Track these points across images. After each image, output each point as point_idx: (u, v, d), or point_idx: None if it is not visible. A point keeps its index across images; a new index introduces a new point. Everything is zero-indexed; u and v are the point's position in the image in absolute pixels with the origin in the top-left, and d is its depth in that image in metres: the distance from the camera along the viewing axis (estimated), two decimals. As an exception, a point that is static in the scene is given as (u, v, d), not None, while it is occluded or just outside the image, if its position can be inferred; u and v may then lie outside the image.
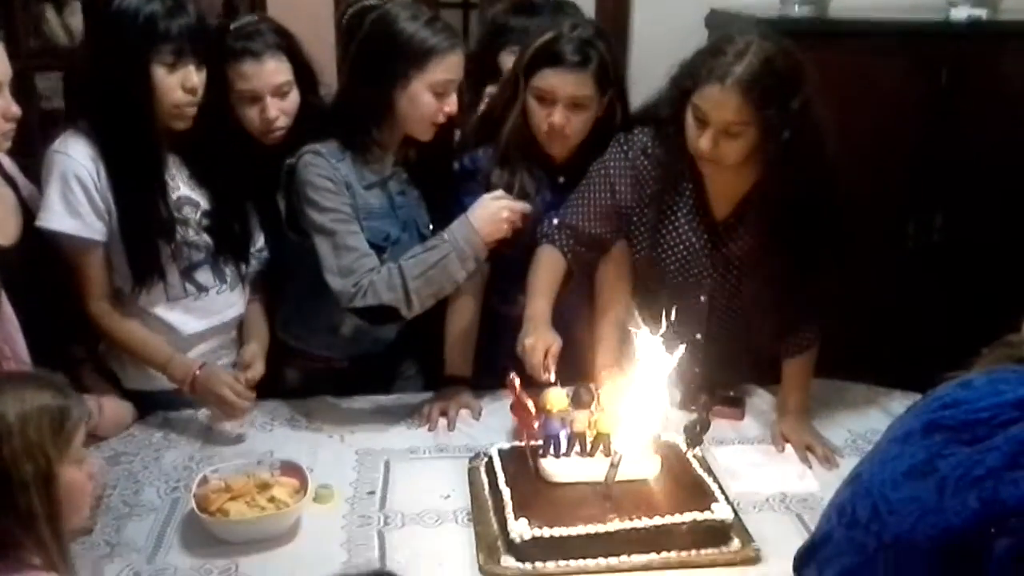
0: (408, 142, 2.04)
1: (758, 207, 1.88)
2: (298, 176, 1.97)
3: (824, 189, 1.82)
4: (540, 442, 1.71)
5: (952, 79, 3.02)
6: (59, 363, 1.87)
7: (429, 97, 1.94)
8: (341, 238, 1.93)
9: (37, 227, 1.84)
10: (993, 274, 3.03)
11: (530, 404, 1.68)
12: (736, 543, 1.59)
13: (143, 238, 1.90)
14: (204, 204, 2.00)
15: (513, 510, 1.58)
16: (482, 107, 2.22)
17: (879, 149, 2.85)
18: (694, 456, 1.75)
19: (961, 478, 0.75)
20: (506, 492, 1.64)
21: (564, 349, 1.86)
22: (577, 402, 1.71)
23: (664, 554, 1.56)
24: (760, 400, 2.10)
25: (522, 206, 1.95)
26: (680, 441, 1.78)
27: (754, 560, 1.57)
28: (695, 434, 1.71)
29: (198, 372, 1.92)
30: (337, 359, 2.16)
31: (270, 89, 2.02)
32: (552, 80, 1.98)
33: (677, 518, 1.57)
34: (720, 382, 2.04)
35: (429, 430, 2.00)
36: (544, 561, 1.54)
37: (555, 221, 2.05)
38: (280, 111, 2.05)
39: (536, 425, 1.69)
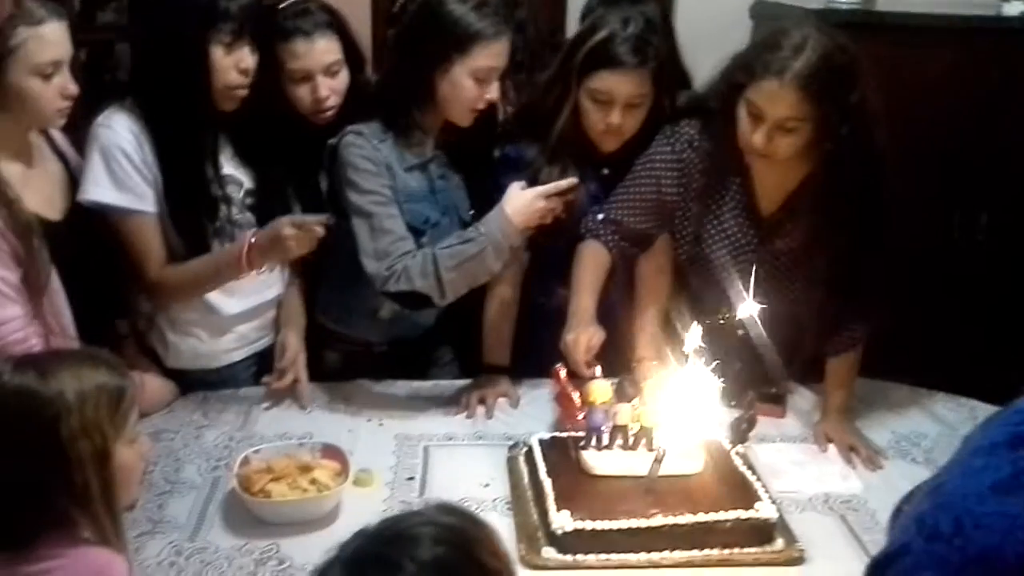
0: (450, 126, 2.03)
1: (809, 203, 1.85)
2: (339, 156, 1.96)
3: (878, 185, 1.79)
4: (582, 434, 1.70)
5: (1004, 76, 2.97)
6: (103, 339, 1.90)
7: (470, 83, 1.92)
8: (379, 220, 1.91)
9: (78, 199, 1.83)
10: (1037, 276, 2.99)
11: (575, 396, 1.67)
12: (779, 543, 1.58)
13: (188, 216, 1.90)
14: (247, 183, 1.99)
15: (555, 501, 1.58)
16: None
17: (925, 144, 2.81)
18: (737, 453, 1.74)
19: None
20: (547, 483, 1.63)
21: (608, 342, 1.85)
22: (621, 395, 1.69)
23: (706, 551, 1.55)
24: (801, 398, 2.07)
25: (555, 186, 1.90)
26: (723, 438, 1.77)
27: (798, 561, 1.55)
28: (741, 431, 1.70)
29: (252, 239, 1.87)
30: (376, 343, 2.16)
31: (321, 68, 2.01)
32: (610, 82, 1.95)
33: (721, 515, 1.55)
34: (762, 379, 2.02)
35: (467, 417, 1.99)
36: (585, 553, 1.53)
37: (600, 217, 2.03)
38: (331, 90, 2.04)
39: (581, 416, 1.67)
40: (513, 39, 2.02)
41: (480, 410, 2.01)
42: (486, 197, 2.01)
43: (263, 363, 2.09)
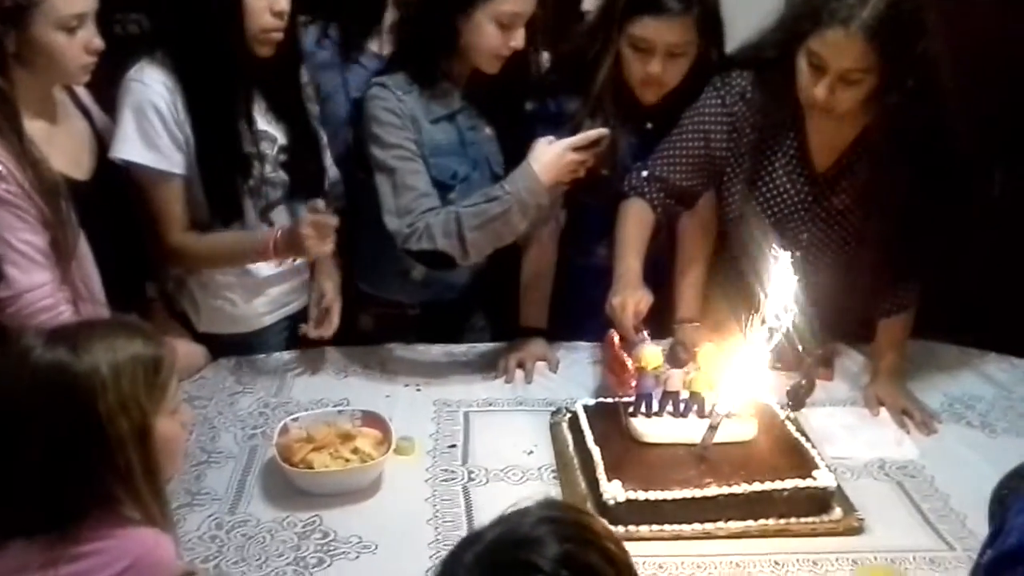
0: (479, 76, 1.93)
1: (870, 158, 1.77)
2: (364, 110, 1.89)
3: (942, 139, 1.70)
4: (630, 400, 1.64)
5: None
6: (132, 302, 1.85)
7: (493, 29, 1.82)
8: (401, 176, 1.85)
9: (111, 158, 1.77)
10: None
11: (628, 362, 1.61)
12: (838, 512, 1.53)
13: (222, 174, 1.83)
14: (281, 139, 1.92)
15: (605, 471, 1.52)
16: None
17: (972, 94, 2.70)
18: (789, 418, 1.68)
19: None
20: (596, 451, 1.58)
21: (656, 304, 1.78)
22: (673, 360, 1.64)
23: (762, 521, 1.50)
24: (849, 360, 2.01)
25: (583, 137, 1.80)
26: (772, 402, 1.71)
27: (857, 530, 1.51)
28: (798, 397, 1.64)
29: (278, 234, 1.83)
30: (410, 305, 2.11)
31: None
32: (651, 29, 1.86)
33: (777, 484, 1.50)
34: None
35: (506, 382, 1.94)
36: (638, 525, 1.48)
37: (644, 173, 1.95)
38: None
39: (634, 383, 1.62)
40: None
41: (519, 374, 1.96)
42: (522, 152, 1.92)
43: (295, 327, 2.04)
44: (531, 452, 1.71)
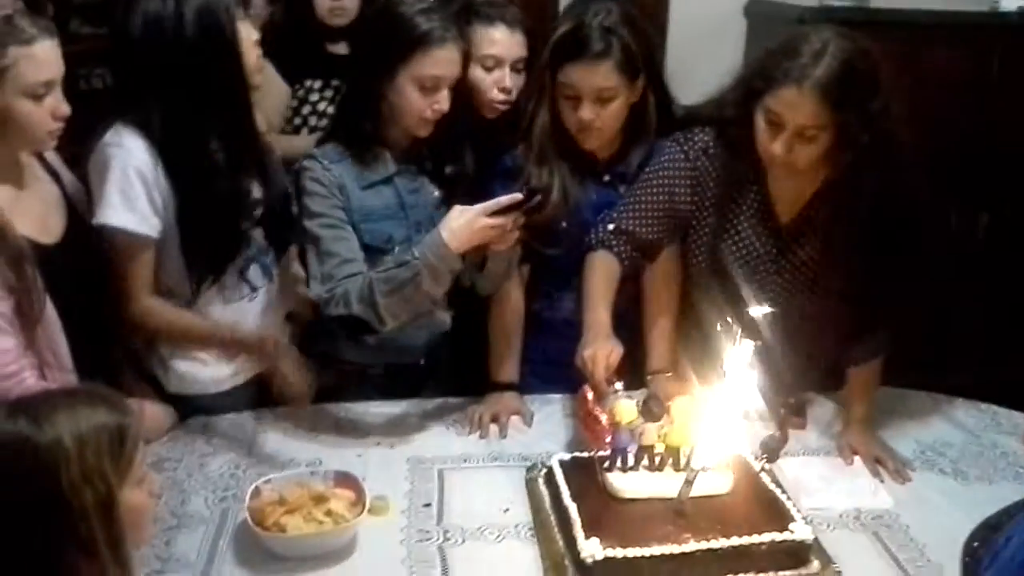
0: (420, 139, 1.94)
1: (829, 211, 1.80)
2: (296, 182, 1.92)
3: (899, 193, 1.74)
4: (607, 455, 1.64)
5: (1002, 72, 2.95)
6: (99, 365, 1.82)
7: (416, 92, 1.84)
8: (325, 243, 1.86)
9: (94, 224, 1.75)
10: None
11: (602, 417, 1.61)
12: (816, 564, 1.52)
13: (205, 234, 1.81)
14: (256, 194, 1.91)
15: (582, 528, 1.51)
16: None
17: (923, 143, 2.77)
18: (764, 470, 1.69)
19: None
20: (572, 508, 1.57)
21: (627, 354, 1.79)
22: (647, 414, 1.64)
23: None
24: (821, 409, 2.03)
25: (495, 203, 1.76)
26: (747, 453, 1.71)
27: (835, 583, 1.51)
28: (772, 448, 1.65)
29: (244, 340, 1.84)
30: (369, 366, 2.08)
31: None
32: (574, 75, 1.89)
33: (755, 538, 1.50)
34: (779, 390, 1.97)
35: (480, 437, 1.93)
36: (617, 582, 1.47)
37: (610, 227, 1.97)
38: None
39: (608, 439, 1.61)
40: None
41: (493, 429, 1.95)
42: None
43: (263, 386, 2.02)
44: (507, 510, 1.69)
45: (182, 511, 1.67)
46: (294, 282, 2.08)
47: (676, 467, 1.63)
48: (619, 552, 1.47)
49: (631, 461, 1.64)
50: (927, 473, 1.83)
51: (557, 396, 2.05)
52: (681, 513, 1.55)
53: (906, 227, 1.77)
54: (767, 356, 1.86)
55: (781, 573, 1.50)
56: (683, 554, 1.48)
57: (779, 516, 1.56)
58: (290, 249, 2.03)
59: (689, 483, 1.55)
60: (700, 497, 1.57)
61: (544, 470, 1.74)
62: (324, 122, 2.42)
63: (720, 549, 1.49)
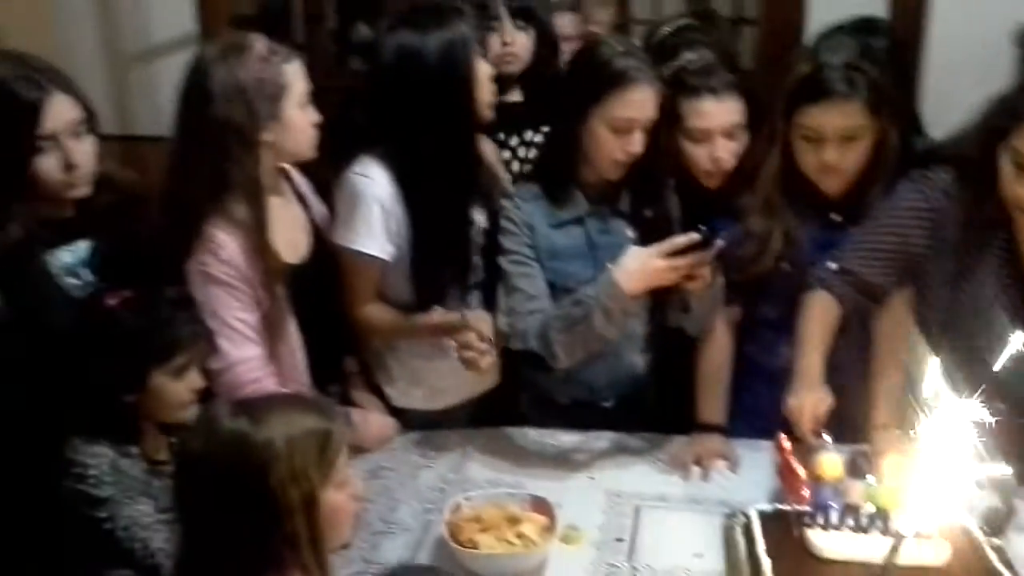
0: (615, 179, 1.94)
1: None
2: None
3: None
4: (808, 510, 1.56)
5: None
6: (332, 377, 2.00)
7: (608, 135, 1.84)
8: (512, 279, 1.92)
9: (334, 243, 1.91)
10: None
11: (800, 470, 1.54)
12: (1041, 659, 1.36)
13: (436, 265, 1.94)
14: (482, 222, 2.01)
15: (775, 584, 1.45)
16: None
17: None
18: (991, 545, 1.53)
19: None
20: (766, 562, 1.50)
21: (838, 405, 1.69)
22: (854, 470, 1.54)
23: (949, 660, 1.37)
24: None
25: (671, 244, 1.72)
26: (972, 524, 1.56)
27: None
28: (998, 521, 1.49)
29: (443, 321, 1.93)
30: (558, 397, 2.09)
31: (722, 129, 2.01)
32: (817, 116, 1.83)
33: (969, 619, 1.37)
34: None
35: (683, 478, 1.90)
36: (806, 646, 1.40)
37: (833, 266, 1.88)
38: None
39: (805, 492, 1.54)
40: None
41: (696, 471, 1.91)
42: None
43: (481, 404, 2.13)
44: (700, 555, 1.65)
45: (391, 518, 1.79)
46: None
47: (885, 531, 1.52)
48: (810, 614, 1.39)
49: (835, 519, 1.55)
50: None
51: (766, 443, 1.96)
52: (884, 581, 1.44)
53: None
54: (1002, 421, 1.69)
55: (998, 663, 1.36)
56: (882, 626, 1.38)
57: (1001, 599, 1.41)
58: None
59: (895, 549, 1.43)
60: (910, 567, 1.45)
61: (743, 519, 1.68)
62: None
63: (927, 627, 1.37)
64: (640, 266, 1.75)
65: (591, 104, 1.84)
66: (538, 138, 2.22)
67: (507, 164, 2.23)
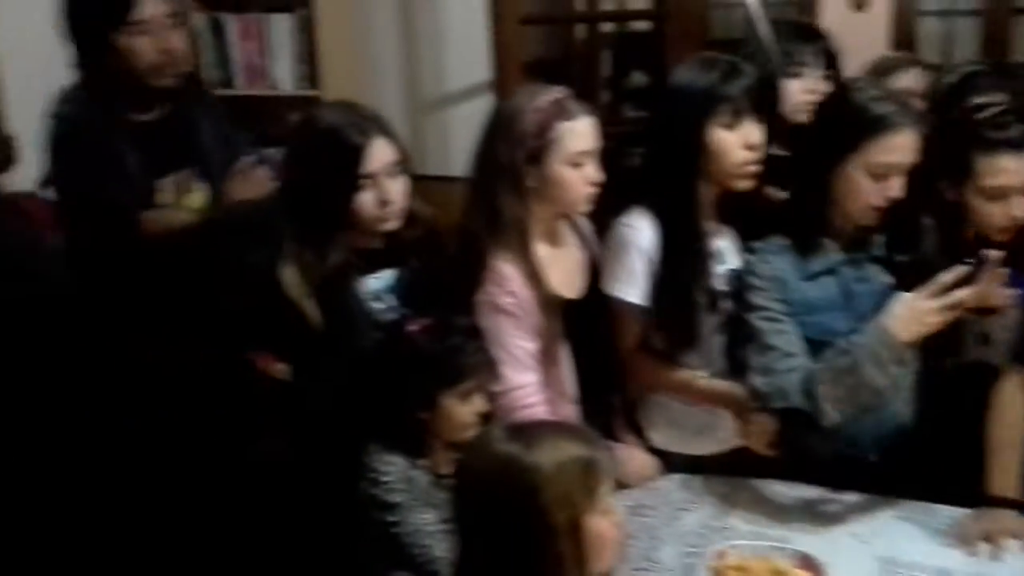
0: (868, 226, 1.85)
1: None
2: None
3: None
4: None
5: None
6: (599, 407, 2.06)
7: (867, 181, 1.76)
8: (764, 336, 1.85)
9: (605, 292, 1.98)
10: None
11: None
12: None
13: (678, 310, 1.95)
14: (733, 262, 2.00)
15: None
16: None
17: None
18: None
19: None
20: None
21: None
22: None
23: None
24: None
25: (939, 284, 1.64)
26: None
27: None
28: None
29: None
30: (818, 451, 1.96)
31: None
32: (1003, 170, 1.77)
33: None
34: None
35: (968, 554, 1.76)
36: None
37: None
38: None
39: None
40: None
41: (984, 548, 1.76)
42: None
43: (741, 453, 2.07)
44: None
45: (652, 556, 1.80)
46: None
47: None
48: None
49: None
50: None
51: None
52: None
53: None
54: None
55: None
56: None
57: None
58: None
59: None
60: None
61: (1039, 605, 1.53)
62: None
63: None
64: (910, 312, 1.69)
65: (848, 151, 1.80)
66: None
67: None
